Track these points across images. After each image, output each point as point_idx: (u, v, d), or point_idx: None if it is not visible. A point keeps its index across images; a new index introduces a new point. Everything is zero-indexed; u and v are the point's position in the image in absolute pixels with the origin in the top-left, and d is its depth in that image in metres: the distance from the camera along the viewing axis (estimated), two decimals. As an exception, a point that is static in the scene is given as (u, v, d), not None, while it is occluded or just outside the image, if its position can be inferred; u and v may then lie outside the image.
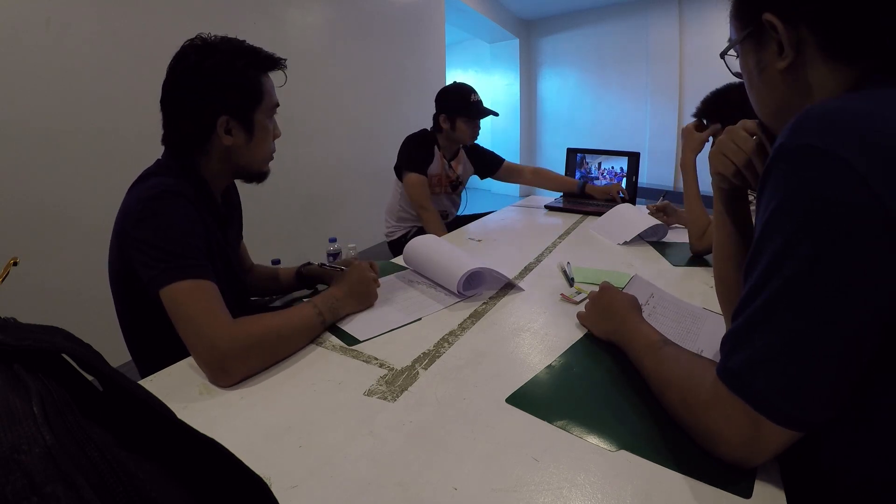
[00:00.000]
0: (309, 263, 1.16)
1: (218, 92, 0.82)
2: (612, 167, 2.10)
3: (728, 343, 0.47)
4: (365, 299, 0.92)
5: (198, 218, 0.79)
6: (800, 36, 0.50)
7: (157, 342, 0.82)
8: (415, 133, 1.96)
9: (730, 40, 0.60)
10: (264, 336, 0.71)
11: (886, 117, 0.40)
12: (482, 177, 2.15)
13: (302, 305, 0.80)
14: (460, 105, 1.84)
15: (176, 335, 0.70)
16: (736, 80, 0.64)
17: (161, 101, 0.85)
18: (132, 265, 0.75)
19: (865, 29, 0.46)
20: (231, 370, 0.67)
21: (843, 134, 0.40)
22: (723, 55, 0.62)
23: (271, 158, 0.95)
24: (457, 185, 2.07)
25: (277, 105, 0.92)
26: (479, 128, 1.93)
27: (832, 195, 0.39)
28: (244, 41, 0.86)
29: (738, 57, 0.60)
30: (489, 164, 2.12)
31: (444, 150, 1.96)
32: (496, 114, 1.93)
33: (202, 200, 0.85)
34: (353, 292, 0.89)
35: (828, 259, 0.40)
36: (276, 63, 0.88)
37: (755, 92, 0.59)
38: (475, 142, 2.06)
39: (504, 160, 2.14)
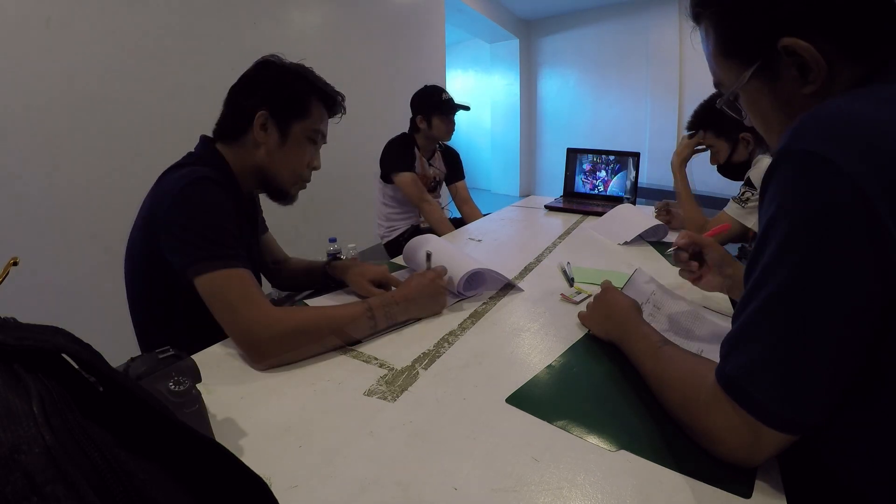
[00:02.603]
0: (336, 258, 1.14)
1: (266, 90, 0.88)
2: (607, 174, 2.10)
3: (725, 347, 0.47)
4: (431, 307, 0.88)
5: (231, 206, 0.80)
6: (823, 50, 0.46)
7: (169, 337, 0.82)
8: (395, 137, 2.06)
9: (718, 84, 0.56)
10: (301, 328, 0.71)
11: (885, 121, 0.40)
12: (447, 183, 2.25)
13: (355, 304, 0.80)
14: (433, 104, 1.96)
15: (189, 329, 0.71)
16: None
17: (225, 100, 0.92)
18: (159, 251, 0.76)
19: (880, 25, 0.45)
20: (265, 355, 0.69)
21: (842, 140, 0.40)
22: (721, 104, 0.57)
23: (300, 184, 0.96)
24: (436, 185, 2.17)
25: (323, 136, 0.95)
26: (454, 123, 2.03)
27: (825, 202, 0.40)
28: (312, 69, 0.93)
29: (736, 99, 0.55)
30: (454, 173, 2.23)
31: (422, 150, 2.07)
32: (467, 108, 2.04)
33: (232, 192, 0.85)
34: (417, 298, 0.85)
35: (817, 263, 0.40)
36: (330, 96, 0.93)
37: (773, 128, 0.54)
38: (455, 150, 2.23)
39: (464, 178, 2.26)
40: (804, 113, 0.44)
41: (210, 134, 0.92)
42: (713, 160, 1.46)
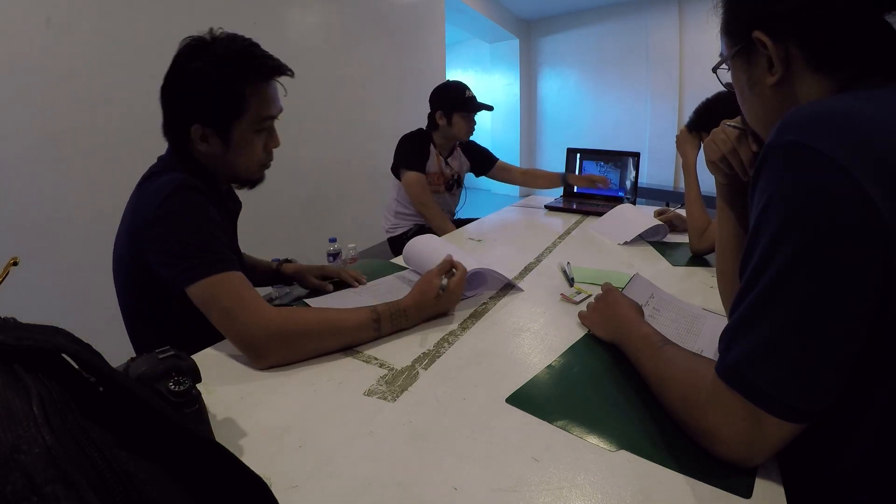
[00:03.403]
0: (288, 261, 1.17)
1: (192, 100, 0.79)
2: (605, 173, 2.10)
3: (725, 339, 0.48)
4: (434, 308, 0.86)
5: (213, 209, 0.79)
6: (788, 52, 0.51)
7: (163, 341, 0.82)
8: (411, 132, 1.99)
9: (721, 55, 0.61)
10: (302, 330, 0.71)
11: (866, 112, 0.42)
12: (477, 174, 2.19)
13: (361, 309, 0.78)
14: (456, 101, 1.88)
15: (183, 332, 0.70)
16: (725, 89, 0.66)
17: (160, 92, 0.84)
18: (148, 266, 0.75)
19: (847, 42, 0.48)
20: (265, 355, 0.70)
21: (826, 130, 0.41)
22: (715, 70, 0.64)
23: (262, 167, 0.91)
24: (453, 184, 2.10)
25: (273, 117, 0.86)
26: (475, 123, 1.97)
27: (816, 187, 0.41)
28: (247, 43, 0.81)
29: (729, 70, 0.61)
30: (484, 162, 2.16)
31: (439, 147, 2.00)
32: (491, 108, 1.97)
33: (211, 193, 0.83)
34: (425, 302, 0.84)
35: (814, 249, 0.41)
36: (267, 73, 0.82)
37: (747, 105, 0.60)
38: (471, 139, 2.10)
39: (498, 159, 2.19)
40: (790, 110, 0.46)
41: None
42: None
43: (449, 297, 0.87)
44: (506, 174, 2.18)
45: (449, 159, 2.05)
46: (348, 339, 0.76)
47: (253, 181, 0.92)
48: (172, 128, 0.84)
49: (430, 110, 1.96)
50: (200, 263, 0.72)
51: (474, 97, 1.91)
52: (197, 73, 0.78)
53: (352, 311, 0.77)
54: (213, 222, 0.77)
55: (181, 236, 0.73)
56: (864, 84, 0.48)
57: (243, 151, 0.85)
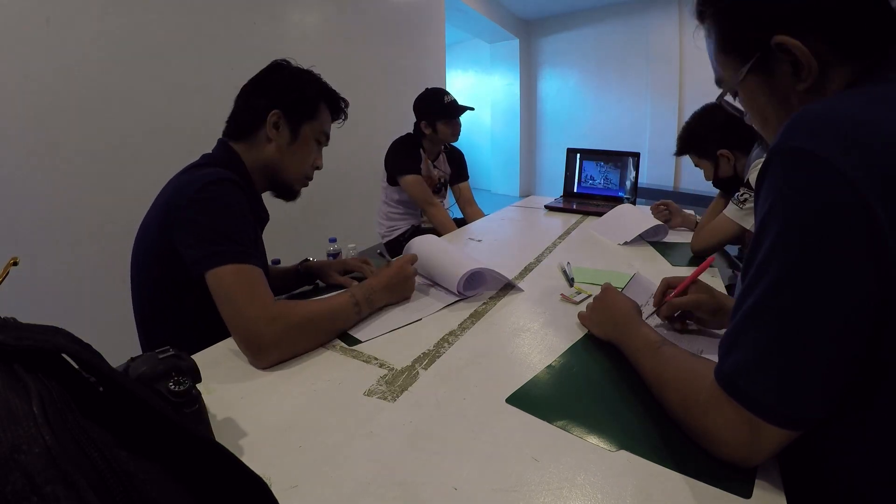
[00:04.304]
0: (306, 260, 1.18)
1: (281, 90, 0.91)
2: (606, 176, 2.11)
3: (724, 344, 0.47)
4: (402, 292, 0.95)
5: (248, 207, 0.82)
6: (816, 49, 0.47)
7: (171, 334, 0.83)
8: (400, 137, 2.03)
9: (719, 81, 0.56)
10: (301, 322, 0.73)
11: (875, 114, 0.41)
12: (451, 184, 2.22)
13: (339, 294, 0.84)
14: (436, 109, 1.92)
15: (194, 327, 0.73)
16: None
17: (236, 98, 0.95)
18: (174, 248, 0.78)
19: (873, 20, 0.46)
20: (267, 353, 0.70)
21: (832, 136, 0.40)
22: (720, 98, 0.58)
23: (304, 182, 1.00)
24: (441, 187, 2.13)
25: (327, 137, 1.00)
26: (460, 125, 1.99)
27: (817, 197, 0.40)
28: (320, 75, 0.98)
29: (731, 91, 0.56)
30: (458, 174, 2.21)
31: (428, 152, 2.04)
32: (471, 108, 2.00)
33: (249, 193, 0.87)
34: (390, 284, 0.92)
35: (811, 260, 0.40)
36: (335, 100, 0.98)
37: (770, 127, 0.55)
38: (460, 150, 2.20)
39: (468, 179, 2.24)
40: (795, 114, 0.44)
41: (215, 131, 0.94)
42: (706, 178, 1.48)
43: (408, 281, 0.95)
44: (457, 194, 2.23)
45: (436, 162, 2.09)
46: (337, 323, 0.80)
47: (293, 190, 1.00)
48: (250, 113, 0.92)
49: (415, 119, 1.99)
50: (225, 251, 0.74)
51: (453, 101, 1.94)
52: (292, 76, 0.94)
53: (333, 298, 0.82)
54: (245, 216, 0.80)
55: (212, 222, 0.76)
56: (885, 76, 0.46)
57: (301, 151, 0.95)
